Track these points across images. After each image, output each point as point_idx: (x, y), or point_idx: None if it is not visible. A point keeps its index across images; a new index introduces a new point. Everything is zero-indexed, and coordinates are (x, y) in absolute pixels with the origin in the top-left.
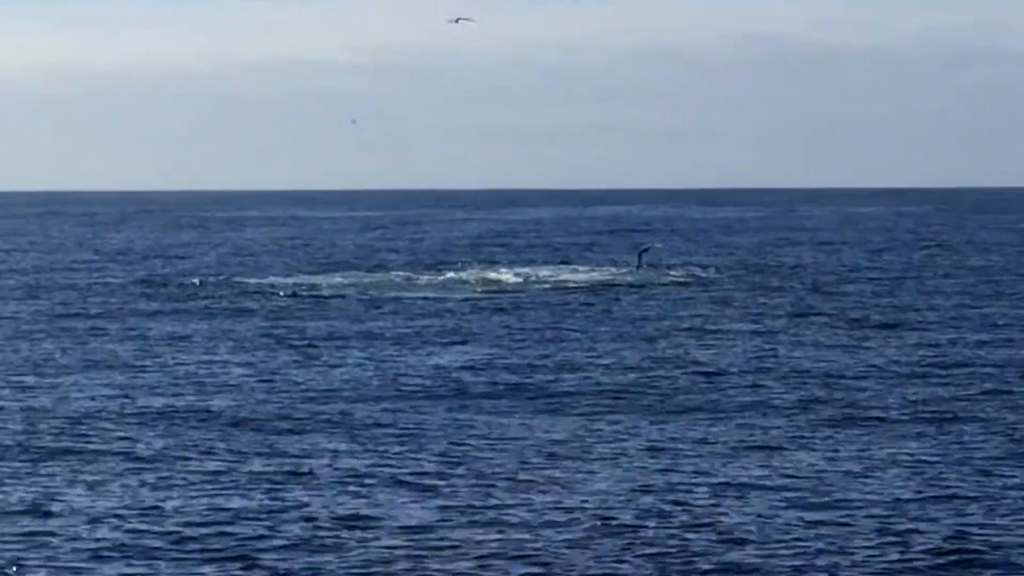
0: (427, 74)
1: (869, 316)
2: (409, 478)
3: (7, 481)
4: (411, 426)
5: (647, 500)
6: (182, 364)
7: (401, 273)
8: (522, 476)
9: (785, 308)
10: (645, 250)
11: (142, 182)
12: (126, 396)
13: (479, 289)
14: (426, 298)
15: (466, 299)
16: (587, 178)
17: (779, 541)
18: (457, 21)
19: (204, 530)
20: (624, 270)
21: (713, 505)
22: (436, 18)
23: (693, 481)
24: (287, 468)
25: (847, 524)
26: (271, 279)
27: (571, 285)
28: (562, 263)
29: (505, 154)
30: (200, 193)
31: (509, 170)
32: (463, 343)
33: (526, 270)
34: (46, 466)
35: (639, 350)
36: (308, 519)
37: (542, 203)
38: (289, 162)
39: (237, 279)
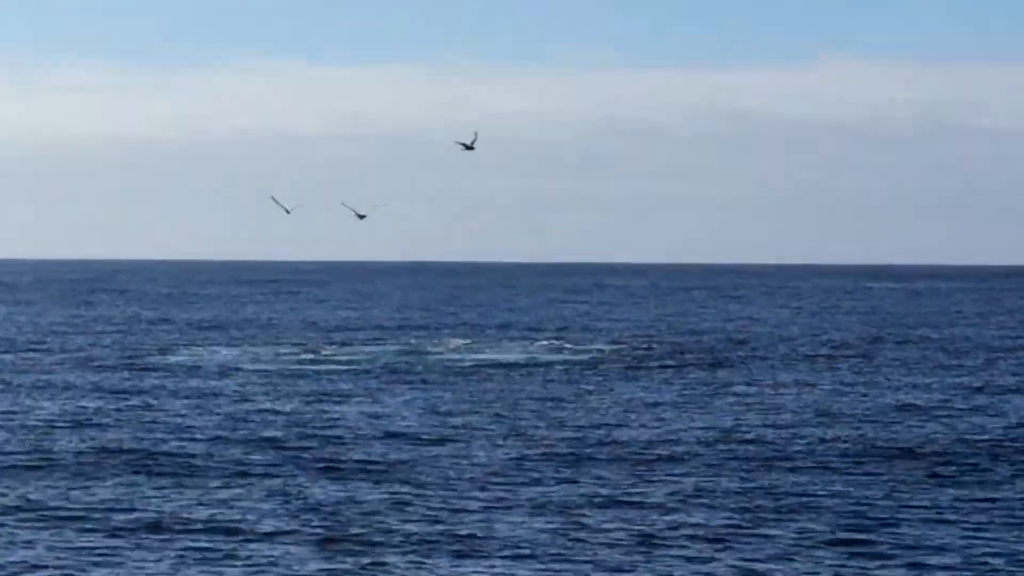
0: (399, 144)
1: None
2: None
3: None
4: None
5: None
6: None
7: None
8: None
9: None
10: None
11: (103, 251)
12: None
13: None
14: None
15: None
16: (561, 249)
17: None
18: (471, 144)
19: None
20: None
21: None
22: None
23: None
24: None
25: None
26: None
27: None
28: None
29: (479, 225)
30: (169, 263)
31: (483, 241)
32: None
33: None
34: None
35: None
36: None
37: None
38: (256, 232)
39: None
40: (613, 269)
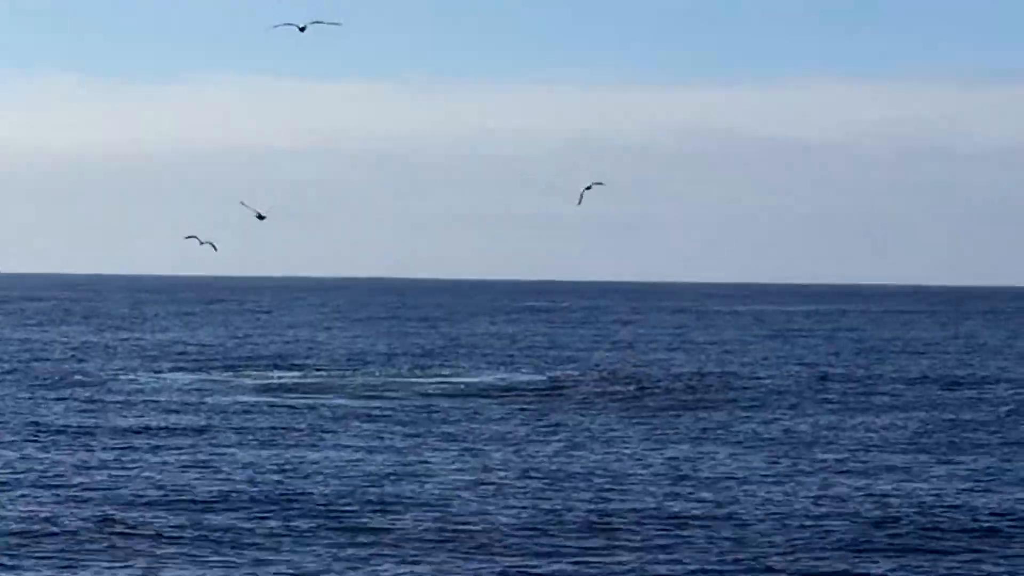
0: (372, 161)
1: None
2: None
3: None
4: None
5: None
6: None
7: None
8: None
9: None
10: (588, 188)
11: (79, 266)
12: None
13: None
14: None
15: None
16: (532, 269)
17: None
18: (588, 188)
19: None
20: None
21: None
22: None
23: None
24: None
25: None
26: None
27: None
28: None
29: (452, 243)
30: (137, 278)
31: (455, 259)
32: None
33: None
34: None
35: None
36: None
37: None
38: (232, 249)
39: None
40: (578, 288)
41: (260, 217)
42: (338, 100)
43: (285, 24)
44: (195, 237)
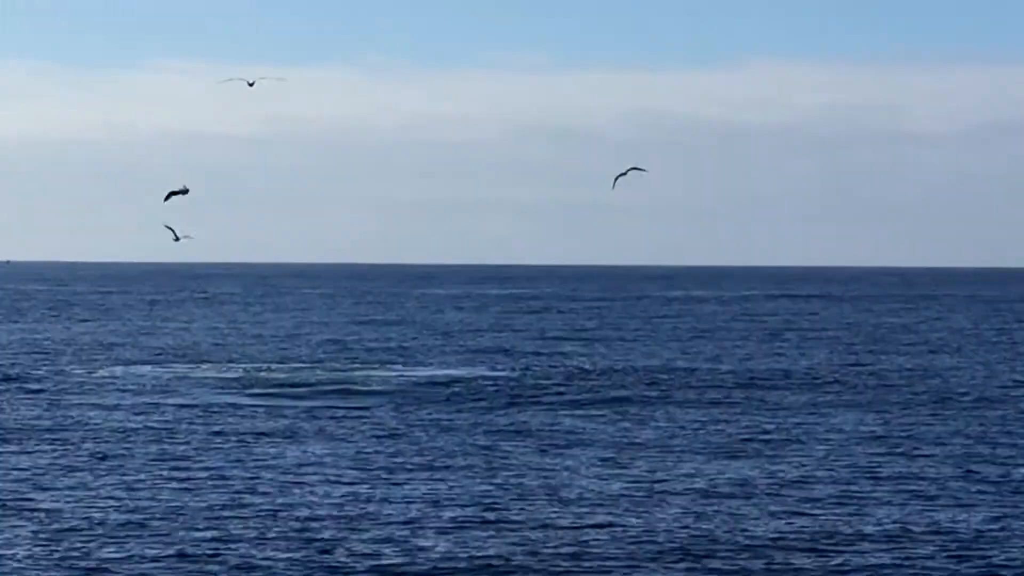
0: (324, 147)
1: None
2: None
3: None
4: None
5: None
6: None
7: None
8: None
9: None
10: (624, 173)
11: (35, 253)
12: None
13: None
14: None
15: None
16: (484, 253)
17: None
18: (624, 174)
19: None
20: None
21: None
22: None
23: None
24: None
25: None
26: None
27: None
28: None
29: (402, 228)
30: (95, 265)
31: (406, 244)
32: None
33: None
34: None
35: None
36: None
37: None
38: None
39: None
40: (529, 272)
41: (181, 192)
42: (294, 85)
43: (235, 79)
44: (171, 229)
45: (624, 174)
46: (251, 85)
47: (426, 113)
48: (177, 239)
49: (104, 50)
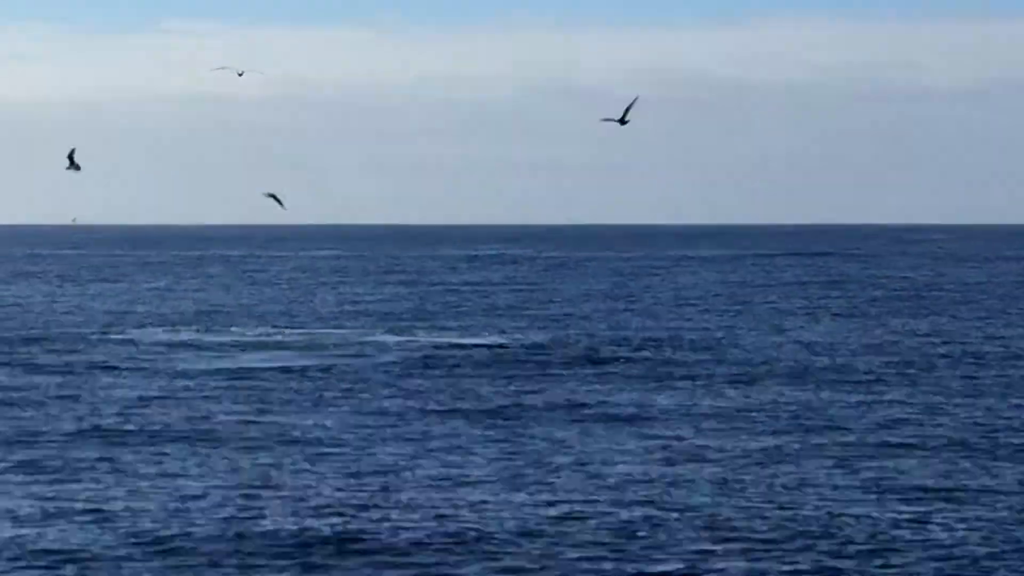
0: (334, 108)
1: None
2: None
3: None
4: None
5: None
6: None
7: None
8: None
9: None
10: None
11: (44, 215)
12: None
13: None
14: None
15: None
16: (497, 213)
17: None
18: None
19: None
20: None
21: None
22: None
23: None
24: None
25: None
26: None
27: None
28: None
29: (415, 190)
30: (105, 228)
31: (418, 206)
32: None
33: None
34: None
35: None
36: None
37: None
38: (195, 197)
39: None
40: (546, 232)
41: (74, 167)
42: (303, 46)
43: (227, 68)
44: (275, 197)
45: (631, 106)
46: (240, 75)
47: (434, 73)
48: (281, 205)
49: (113, 12)
